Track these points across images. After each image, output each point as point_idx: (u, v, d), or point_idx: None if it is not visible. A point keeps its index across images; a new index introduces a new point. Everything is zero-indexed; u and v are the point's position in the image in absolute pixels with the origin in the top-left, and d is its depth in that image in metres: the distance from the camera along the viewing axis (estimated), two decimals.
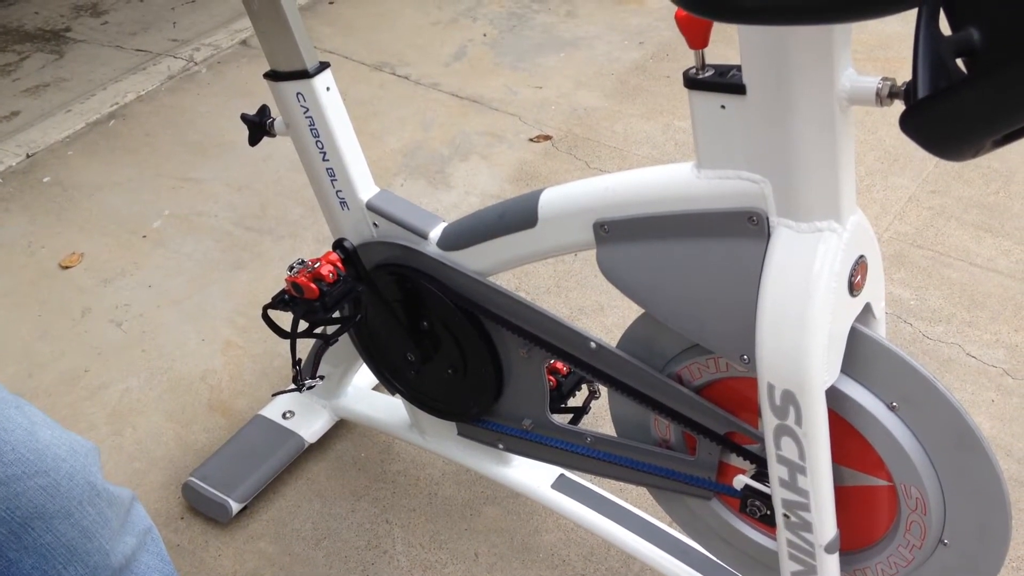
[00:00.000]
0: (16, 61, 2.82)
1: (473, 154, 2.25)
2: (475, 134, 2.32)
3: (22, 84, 2.68)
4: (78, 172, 2.25)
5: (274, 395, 1.44)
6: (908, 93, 0.72)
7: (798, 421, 0.90)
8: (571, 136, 2.27)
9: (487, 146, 2.27)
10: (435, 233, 1.18)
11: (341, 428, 1.57)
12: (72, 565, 0.88)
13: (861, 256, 0.89)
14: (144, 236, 2.03)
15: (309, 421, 1.50)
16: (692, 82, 0.88)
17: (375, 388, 1.55)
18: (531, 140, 2.28)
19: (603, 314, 1.76)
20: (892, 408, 0.93)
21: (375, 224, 1.22)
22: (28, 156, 2.29)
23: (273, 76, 1.18)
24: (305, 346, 1.58)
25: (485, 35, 2.74)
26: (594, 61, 2.57)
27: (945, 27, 0.64)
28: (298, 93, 1.18)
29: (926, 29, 0.62)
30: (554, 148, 2.24)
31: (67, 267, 1.94)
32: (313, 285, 1.16)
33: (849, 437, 0.96)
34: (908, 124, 0.59)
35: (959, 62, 0.63)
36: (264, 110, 1.29)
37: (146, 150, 2.32)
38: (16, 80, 2.70)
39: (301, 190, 2.12)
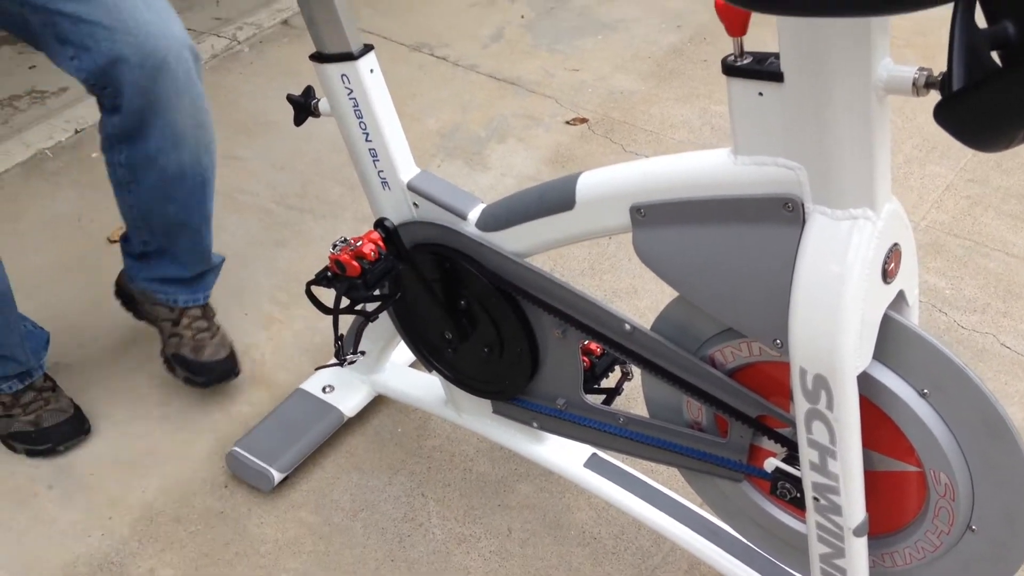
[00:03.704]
0: None
1: (510, 136, 2.27)
2: (512, 116, 2.33)
3: None
4: None
5: (316, 369, 1.48)
6: (944, 84, 0.73)
7: (829, 406, 0.91)
8: (607, 119, 2.28)
9: (524, 128, 2.29)
10: (474, 214, 1.21)
11: (379, 403, 1.61)
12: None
13: (895, 244, 0.91)
14: None
15: (348, 395, 1.54)
16: (730, 69, 0.89)
17: (412, 365, 1.58)
18: (567, 123, 2.29)
19: (637, 297, 1.78)
20: (923, 395, 0.94)
21: (415, 204, 1.25)
22: (76, 132, 2.35)
23: (319, 58, 1.21)
24: (346, 322, 1.62)
25: (523, 17, 2.75)
26: (632, 44, 2.57)
27: (981, 20, 0.65)
28: (343, 75, 1.20)
29: (962, 22, 0.63)
30: (590, 131, 2.25)
31: (115, 241, 1.99)
32: (355, 263, 1.20)
33: (880, 422, 0.98)
34: (942, 115, 0.61)
35: (994, 55, 0.64)
36: (309, 91, 1.32)
37: None
38: None
39: (341, 169, 2.15)
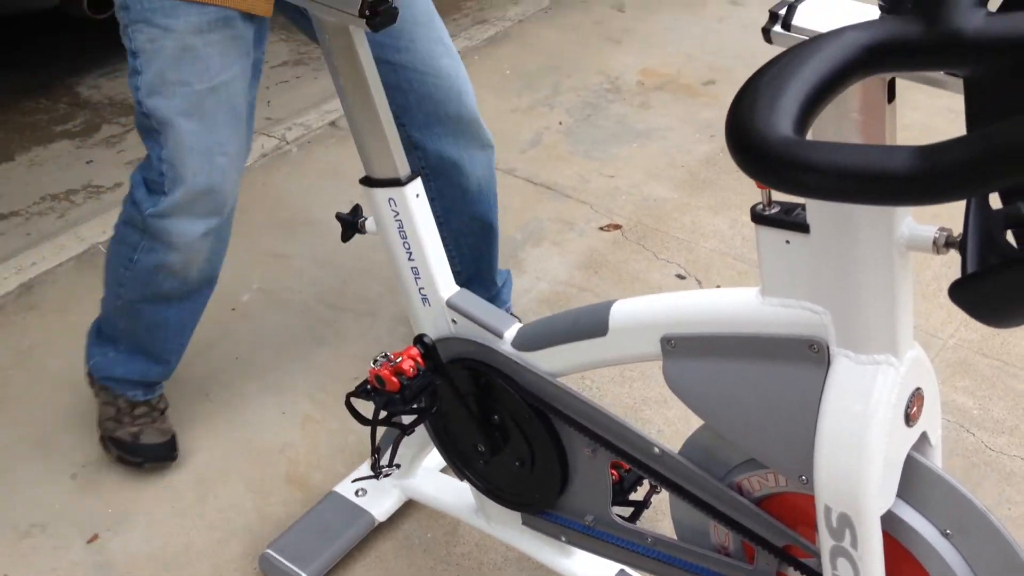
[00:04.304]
0: (120, 133, 3.02)
1: (545, 240, 2.33)
2: (547, 220, 2.41)
3: (126, 156, 2.86)
4: None
5: (353, 481, 1.52)
6: (961, 245, 0.77)
7: (854, 544, 0.94)
8: (640, 226, 2.35)
9: (558, 233, 2.36)
10: (510, 333, 1.26)
11: (409, 507, 1.63)
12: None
13: (918, 388, 0.94)
14: (233, 309, 2.15)
15: (380, 500, 1.58)
16: (759, 217, 0.94)
17: (443, 470, 1.62)
18: (601, 229, 2.36)
19: (666, 406, 1.80)
20: (946, 535, 0.96)
21: (454, 321, 1.31)
22: None
23: (368, 182, 1.29)
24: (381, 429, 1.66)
25: (561, 123, 2.85)
26: (666, 152, 2.65)
27: (995, 201, 0.70)
28: (390, 199, 1.28)
29: (976, 206, 0.68)
30: (623, 238, 2.31)
31: None
32: (395, 379, 1.25)
33: (904, 560, 1.00)
34: (957, 296, 0.65)
35: (1009, 234, 0.68)
36: (357, 209, 1.39)
37: (238, 225, 2.42)
38: (120, 152, 2.89)
39: (381, 269, 2.22)
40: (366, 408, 1.27)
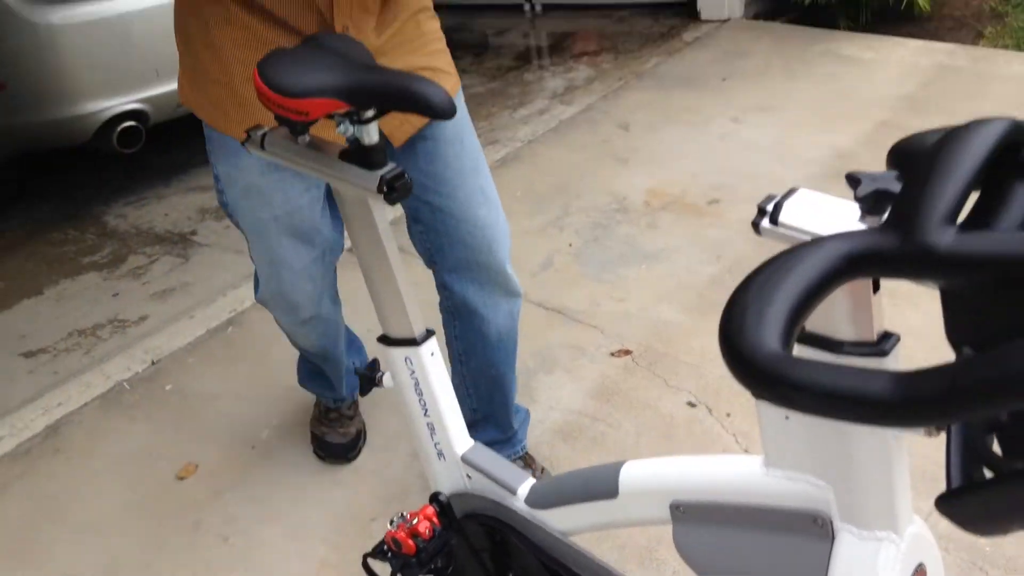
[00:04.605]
0: (146, 264, 3.12)
1: (557, 367, 2.37)
2: (559, 346, 2.45)
3: (151, 288, 2.95)
4: (197, 380, 2.45)
5: None
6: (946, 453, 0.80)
7: None
8: (651, 351, 2.38)
9: (570, 359, 2.40)
10: (523, 489, 1.29)
11: None
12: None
13: (920, 564, 0.96)
14: (253, 447, 2.18)
15: None
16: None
17: None
18: (612, 355, 2.39)
19: None
20: None
21: (468, 476, 1.34)
22: (153, 363, 2.51)
23: (385, 341, 1.34)
24: None
25: (571, 245, 2.92)
26: (674, 274, 2.71)
27: None
28: (406, 358, 1.33)
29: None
30: (634, 363, 2.35)
31: (182, 478, 2.10)
32: (411, 541, 1.27)
33: None
34: (944, 510, 0.68)
35: (993, 439, 0.71)
36: (374, 364, 1.45)
37: (258, 359, 2.51)
38: (145, 284, 2.98)
39: (397, 405, 2.26)
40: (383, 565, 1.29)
